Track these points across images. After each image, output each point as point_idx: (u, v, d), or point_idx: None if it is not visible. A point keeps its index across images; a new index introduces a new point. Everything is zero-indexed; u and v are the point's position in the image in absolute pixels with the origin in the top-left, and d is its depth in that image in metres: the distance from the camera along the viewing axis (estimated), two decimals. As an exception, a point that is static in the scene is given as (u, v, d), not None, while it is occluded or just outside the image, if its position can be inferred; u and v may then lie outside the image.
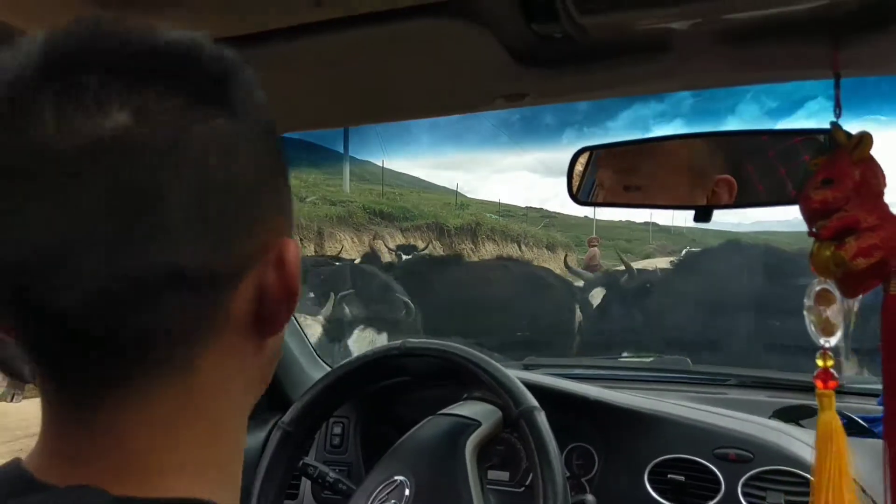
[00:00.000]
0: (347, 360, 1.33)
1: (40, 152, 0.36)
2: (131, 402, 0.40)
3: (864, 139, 0.67)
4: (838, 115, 0.72)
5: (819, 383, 0.70)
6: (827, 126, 0.74)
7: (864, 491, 0.70)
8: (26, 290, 0.37)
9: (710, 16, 0.76)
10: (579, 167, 1.11)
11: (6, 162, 0.37)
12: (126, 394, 0.40)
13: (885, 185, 0.67)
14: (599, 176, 1.10)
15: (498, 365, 1.20)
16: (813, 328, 0.70)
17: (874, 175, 0.67)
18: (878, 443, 0.71)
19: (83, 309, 0.37)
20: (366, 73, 0.92)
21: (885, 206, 0.67)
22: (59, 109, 0.36)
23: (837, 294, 0.69)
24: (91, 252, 0.36)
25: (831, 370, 0.70)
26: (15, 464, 0.43)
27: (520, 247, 18.49)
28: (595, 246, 13.38)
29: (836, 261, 0.67)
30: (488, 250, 16.45)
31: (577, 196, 1.11)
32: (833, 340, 0.70)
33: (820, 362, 0.70)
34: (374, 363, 1.31)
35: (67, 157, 0.36)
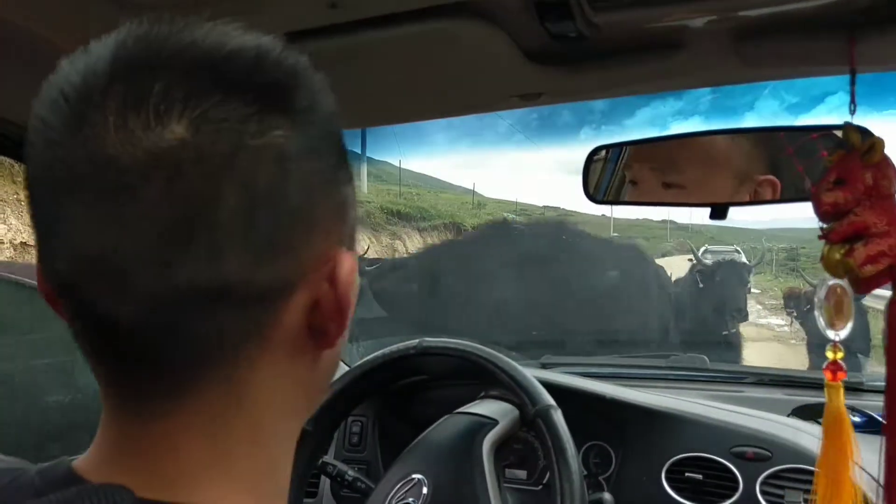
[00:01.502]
0: (365, 359, 1.34)
1: (101, 164, 0.36)
2: (179, 412, 0.40)
3: (877, 145, 0.67)
4: (853, 112, 0.72)
5: (828, 374, 0.71)
6: (844, 121, 0.73)
7: (881, 485, 0.70)
8: (81, 299, 0.38)
9: (724, 12, 0.76)
10: (595, 165, 1.11)
11: (67, 172, 0.37)
12: (174, 404, 0.40)
13: None
14: (619, 174, 1.09)
15: (514, 363, 1.20)
16: (823, 322, 0.70)
17: (886, 177, 0.67)
18: None
19: (135, 320, 0.37)
20: (381, 75, 0.92)
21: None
22: (121, 120, 0.36)
23: (849, 289, 0.69)
24: (144, 266, 0.36)
25: (840, 362, 0.70)
26: (61, 461, 0.44)
27: (537, 246, 18.38)
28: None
29: (845, 267, 0.67)
30: (505, 249, 16.37)
31: (592, 194, 1.11)
32: (843, 334, 0.70)
33: (830, 354, 0.71)
34: (391, 362, 1.32)
35: (126, 169, 0.36)
